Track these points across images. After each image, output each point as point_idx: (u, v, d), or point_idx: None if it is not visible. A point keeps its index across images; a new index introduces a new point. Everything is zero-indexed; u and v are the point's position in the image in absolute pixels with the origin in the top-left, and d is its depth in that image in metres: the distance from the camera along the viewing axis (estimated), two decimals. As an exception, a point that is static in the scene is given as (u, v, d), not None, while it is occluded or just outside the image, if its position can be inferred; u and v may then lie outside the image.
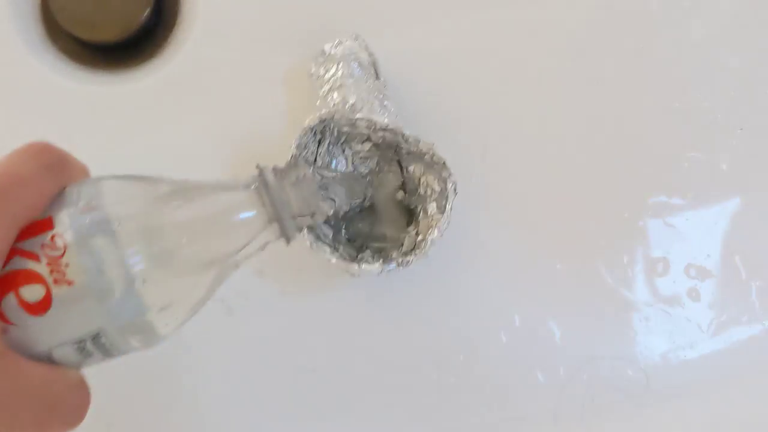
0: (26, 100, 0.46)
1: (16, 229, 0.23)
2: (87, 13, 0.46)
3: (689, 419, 0.44)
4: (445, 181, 0.40)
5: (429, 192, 0.41)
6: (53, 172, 0.25)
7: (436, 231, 0.39)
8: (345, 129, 0.41)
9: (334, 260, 0.39)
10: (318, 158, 0.42)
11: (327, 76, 0.43)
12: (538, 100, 0.47)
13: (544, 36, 0.48)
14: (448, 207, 0.39)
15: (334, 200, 0.36)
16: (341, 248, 0.41)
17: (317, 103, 0.43)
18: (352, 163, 0.43)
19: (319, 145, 0.42)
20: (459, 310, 0.44)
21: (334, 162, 0.43)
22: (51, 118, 0.45)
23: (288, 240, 0.28)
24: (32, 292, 0.23)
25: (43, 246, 0.24)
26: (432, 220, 0.41)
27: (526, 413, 0.44)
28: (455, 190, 0.39)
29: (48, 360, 0.24)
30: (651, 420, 0.44)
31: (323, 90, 0.43)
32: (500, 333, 0.44)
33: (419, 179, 0.42)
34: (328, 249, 0.39)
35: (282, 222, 0.28)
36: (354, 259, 0.42)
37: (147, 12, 0.46)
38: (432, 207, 0.41)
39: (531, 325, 0.44)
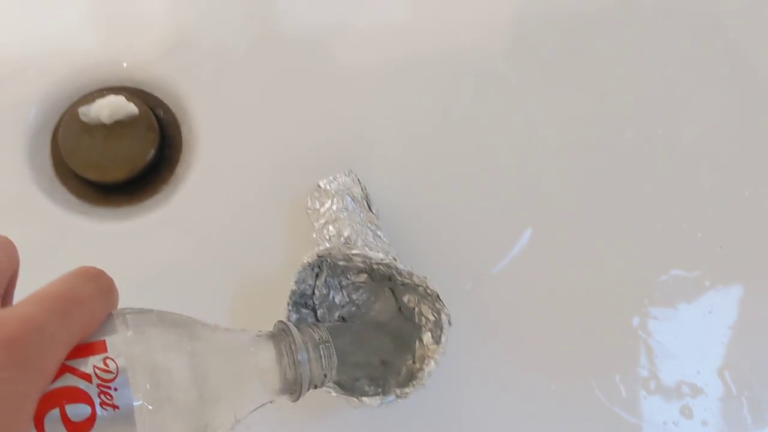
0: (36, 238, 0.48)
1: (70, 347, 0.24)
2: (96, 155, 0.48)
3: None
4: (439, 313, 0.41)
5: (424, 321, 0.43)
6: (107, 297, 0.26)
7: (433, 363, 0.40)
8: (341, 263, 0.43)
9: (333, 393, 0.40)
10: (316, 291, 0.44)
11: (322, 210, 0.45)
12: (523, 228, 0.49)
13: (533, 160, 0.51)
14: (443, 339, 0.40)
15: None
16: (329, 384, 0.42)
17: (314, 235, 0.45)
18: (348, 294, 0.45)
19: (316, 279, 0.44)
20: (458, 433, 0.45)
21: (331, 293, 0.44)
22: (60, 254, 0.47)
23: (296, 400, 0.30)
24: (78, 411, 0.23)
25: (95, 367, 0.24)
26: (428, 350, 0.42)
27: None
28: (449, 321, 0.41)
29: None
30: None
31: (319, 223, 0.45)
32: (499, 456, 0.45)
33: (413, 309, 0.44)
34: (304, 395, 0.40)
35: (301, 386, 0.29)
36: (351, 385, 0.42)
37: (152, 153, 0.48)
38: (427, 336, 0.42)
39: (529, 446, 0.45)
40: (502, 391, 0.45)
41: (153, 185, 0.50)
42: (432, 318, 0.42)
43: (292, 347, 0.30)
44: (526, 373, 0.46)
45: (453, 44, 0.54)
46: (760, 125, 0.53)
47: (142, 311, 0.28)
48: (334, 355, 0.32)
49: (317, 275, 0.44)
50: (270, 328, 0.32)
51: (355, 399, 0.39)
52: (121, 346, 0.25)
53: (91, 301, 0.25)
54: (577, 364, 0.46)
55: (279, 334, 0.31)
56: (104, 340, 0.25)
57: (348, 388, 0.42)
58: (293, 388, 0.31)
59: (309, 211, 0.46)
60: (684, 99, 0.53)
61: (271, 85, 0.52)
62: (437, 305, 0.41)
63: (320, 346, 0.31)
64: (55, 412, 0.23)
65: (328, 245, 0.42)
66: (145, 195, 0.49)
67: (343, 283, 0.45)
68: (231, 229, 0.48)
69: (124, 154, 0.48)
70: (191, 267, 0.47)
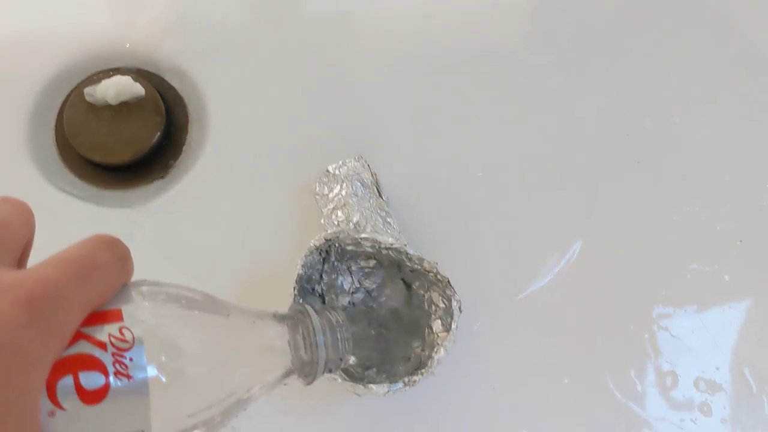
0: (37, 220, 0.47)
1: (86, 313, 0.23)
2: (101, 137, 0.47)
3: None
4: (449, 299, 0.40)
5: (433, 309, 0.42)
6: (123, 265, 0.25)
7: (442, 350, 0.39)
8: (350, 247, 0.42)
9: (339, 380, 0.39)
10: (324, 275, 0.43)
11: (331, 195, 0.44)
12: (539, 215, 0.48)
13: (542, 150, 0.50)
14: (453, 326, 0.39)
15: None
16: (339, 371, 0.41)
17: (322, 221, 0.44)
18: (357, 280, 0.44)
19: (324, 263, 0.42)
20: (466, 428, 0.43)
21: (339, 279, 0.43)
22: (63, 237, 0.46)
23: (310, 383, 0.29)
24: (91, 380, 0.23)
25: (110, 336, 0.23)
26: (437, 337, 0.41)
27: None
28: (460, 308, 0.39)
29: None
30: None
31: (328, 208, 0.44)
32: (509, 451, 0.43)
33: (423, 296, 0.42)
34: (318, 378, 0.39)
35: (317, 369, 0.29)
36: (360, 375, 0.41)
37: (158, 135, 0.48)
38: (437, 324, 0.41)
39: (541, 442, 0.43)
40: (512, 383, 0.44)
41: (159, 168, 0.49)
42: (442, 305, 0.41)
43: (310, 329, 0.30)
44: (538, 365, 0.44)
45: (473, 30, 0.53)
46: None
47: (158, 283, 0.27)
48: (351, 339, 0.31)
49: (325, 260, 0.43)
50: (285, 310, 0.31)
51: (361, 386, 0.38)
52: (137, 316, 0.24)
53: (108, 267, 0.24)
54: (591, 357, 0.45)
55: (296, 316, 0.30)
56: (120, 309, 0.24)
57: (356, 377, 0.41)
58: (309, 371, 0.30)
59: (317, 197, 0.45)
60: (706, 91, 0.52)
61: (282, 68, 0.51)
62: (448, 292, 0.40)
63: (338, 330, 0.31)
64: (69, 380, 0.22)
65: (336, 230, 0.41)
66: (151, 178, 0.48)
67: (352, 269, 0.44)
68: (237, 214, 0.47)
69: (130, 135, 0.47)
70: (196, 252, 0.46)
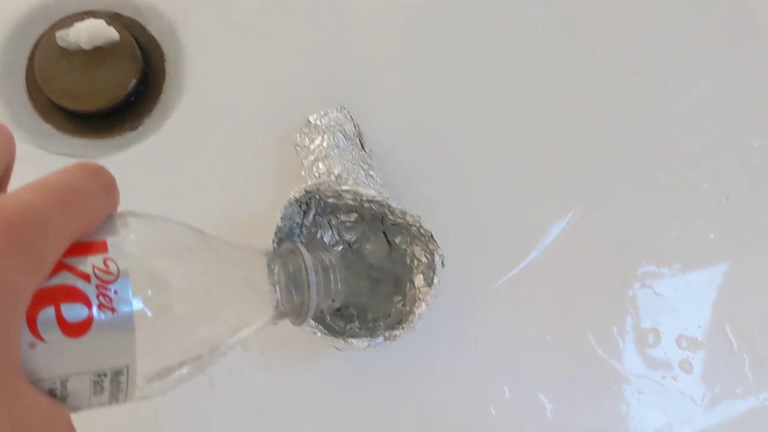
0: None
1: (69, 243, 0.22)
2: (74, 83, 0.45)
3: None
4: (432, 254, 0.39)
5: (416, 263, 0.41)
6: (108, 194, 0.24)
7: (423, 305, 0.38)
8: (331, 200, 0.41)
9: (319, 334, 0.38)
10: (303, 229, 0.42)
11: (312, 146, 0.43)
12: (524, 170, 0.47)
13: (528, 105, 0.48)
14: (435, 280, 0.38)
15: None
16: (329, 319, 0.40)
17: (302, 173, 0.43)
18: (338, 233, 0.43)
19: (304, 216, 0.41)
20: (447, 383, 0.43)
21: (320, 233, 0.42)
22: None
23: (300, 324, 0.28)
24: (74, 312, 0.22)
25: (94, 267, 0.22)
26: (419, 292, 0.40)
27: (518, 492, 0.42)
28: (443, 263, 0.39)
29: (50, 390, 0.23)
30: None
31: (308, 160, 0.43)
32: (490, 406, 0.43)
33: (405, 250, 0.42)
34: (313, 321, 0.38)
35: (308, 309, 0.28)
36: (341, 330, 0.41)
37: (133, 83, 0.46)
38: (419, 279, 0.40)
39: (521, 398, 0.43)
40: (494, 339, 0.44)
41: (134, 117, 0.47)
42: (425, 260, 0.40)
43: (302, 269, 0.29)
44: (520, 321, 0.44)
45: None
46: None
47: (146, 215, 0.26)
48: (344, 281, 0.31)
49: (305, 213, 0.41)
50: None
51: (341, 340, 0.37)
52: (123, 248, 0.23)
53: (93, 195, 0.23)
54: (574, 314, 0.44)
55: (288, 255, 0.29)
56: (105, 240, 0.23)
57: (336, 331, 0.40)
58: (299, 312, 0.29)
59: (298, 148, 0.44)
60: (696, 49, 0.51)
61: (262, 14, 0.49)
62: (430, 246, 0.39)
63: (330, 271, 0.30)
64: (50, 311, 0.21)
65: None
66: (126, 127, 0.47)
67: (333, 223, 0.43)
68: (215, 165, 0.46)
69: (104, 82, 0.46)
70: (172, 204, 0.45)
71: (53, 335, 0.22)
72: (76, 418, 0.24)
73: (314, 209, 0.41)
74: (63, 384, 0.23)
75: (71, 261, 0.22)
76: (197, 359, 0.26)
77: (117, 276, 0.23)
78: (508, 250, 0.45)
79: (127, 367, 0.23)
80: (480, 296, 0.44)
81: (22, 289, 0.20)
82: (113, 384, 0.23)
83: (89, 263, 0.22)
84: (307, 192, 0.39)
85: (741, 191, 0.47)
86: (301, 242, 0.40)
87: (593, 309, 0.45)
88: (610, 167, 0.48)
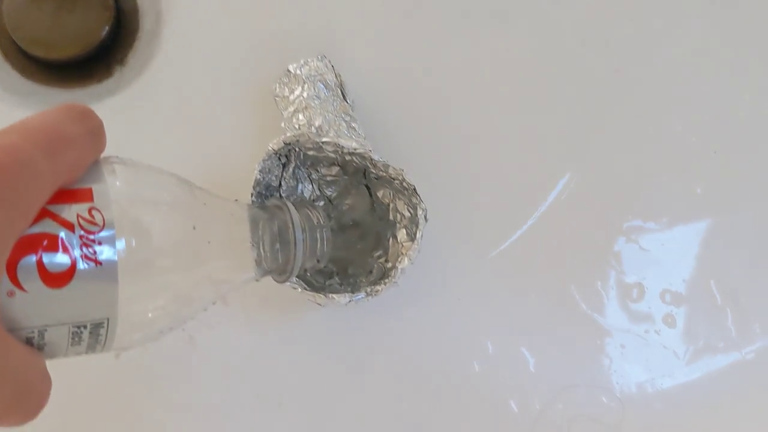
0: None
1: (53, 189, 0.21)
2: (44, 30, 0.44)
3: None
4: (415, 208, 0.38)
5: (398, 218, 0.40)
6: (95, 139, 0.23)
7: (406, 259, 0.37)
8: (311, 153, 0.40)
9: (300, 289, 0.37)
10: (283, 183, 0.41)
11: (292, 97, 0.42)
12: (509, 123, 0.46)
13: (515, 58, 0.47)
14: (418, 235, 0.38)
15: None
16: (309, 275, 0.40)
17: (282, 125, 0.41)
18: (319, 188, 0.42)
19: (283, 169, 0.40)
20: (430, 339, 0.43)
21: (299, 186, 0.41)
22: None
23: (283, 281, 0.28)
24: (56, 261, 0.21)
25: (79, 216, 0.22)
26: (402, 247, 0.39)
27: (500, 445, 0.42)
28: (426, 217, 0.38)
29: (27, 339, 0.22)
30: (627, 451, 0.43)
31: (288, 111, 0.42)
32: (473, 361, 0.43)
33: (388, 205, 0.41)
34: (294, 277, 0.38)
35: (293, 267, 0.28)
36: (322, 285, 0.40)
37: (106, 30, 0.44)
38: (402, 234, 0.40)
39: (504, 353, 0.43)
40: (477, 295, 0.43)
41: (106, 66, 0.45)
42: (407, 214, 0.40)
43: (289, 225, 0.28)
44: (504, 277, 0.44)
45: None
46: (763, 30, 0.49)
47: (133, 163, 0.25)
48: (330, 240, 0.30)
49: (284, 166, 0.40)
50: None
51: (322, 296, 0.37)
52: (109, 197, 0.23)
53: (79, 140, 0.22)
54: (558, 269, 0.44)
55: (275, 210, 0.28)
56: (91, 189, 0.23)
57: (317, 286, 0.39)
58: (283, 269, 0.29)
59: (277, 99, 0.42)
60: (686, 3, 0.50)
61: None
62: (414, 200, 0.39)
63: (317, 229, 0.30)
64: (31, 259, 0.21)
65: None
66: (98, 77, 0.45)
67: (313, 176, 0.42)
68: (192, 116, 0.45)
69: (75, 29, 0.44)
70: (148, 155, 0.43)
71: (33, 285, 0.21)
72: (55, 373, 0.23)
73: (294, 162, 0.40)
74: (41, 333, 0.22)
75: (55, 208, 0.22)
76: (178, 312, 0.25)
77: (102, 226, 0.22)
78: (492, 208, 0.45)
79: (108, 320, 0.23)
80: (463, 252, 0.44)
81: (2, 238, 0.19)
82: (92, 336, 0.23)
83: (74, 212, 0.22)
84: (286, 144, 0.38)
85: (730, 145, 0.47)
86: (288, 198, 0.40)
87: (577, 264, 0.44)
88: (598, 121, 0.46)
